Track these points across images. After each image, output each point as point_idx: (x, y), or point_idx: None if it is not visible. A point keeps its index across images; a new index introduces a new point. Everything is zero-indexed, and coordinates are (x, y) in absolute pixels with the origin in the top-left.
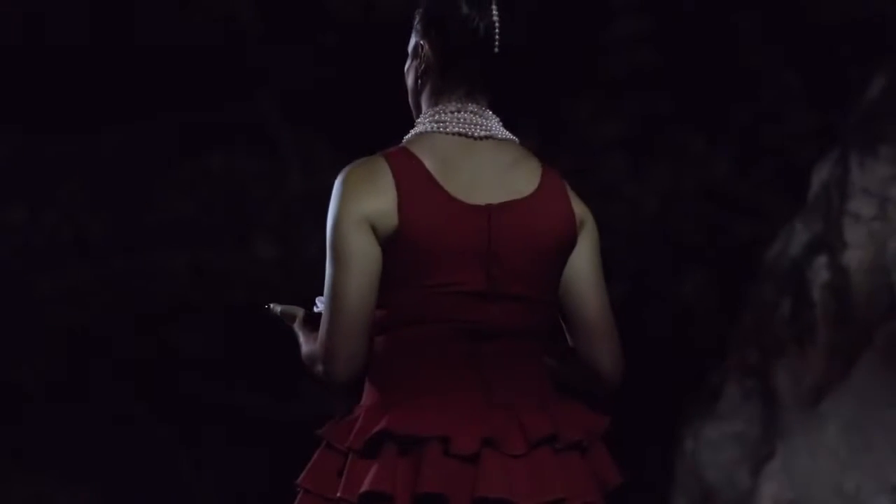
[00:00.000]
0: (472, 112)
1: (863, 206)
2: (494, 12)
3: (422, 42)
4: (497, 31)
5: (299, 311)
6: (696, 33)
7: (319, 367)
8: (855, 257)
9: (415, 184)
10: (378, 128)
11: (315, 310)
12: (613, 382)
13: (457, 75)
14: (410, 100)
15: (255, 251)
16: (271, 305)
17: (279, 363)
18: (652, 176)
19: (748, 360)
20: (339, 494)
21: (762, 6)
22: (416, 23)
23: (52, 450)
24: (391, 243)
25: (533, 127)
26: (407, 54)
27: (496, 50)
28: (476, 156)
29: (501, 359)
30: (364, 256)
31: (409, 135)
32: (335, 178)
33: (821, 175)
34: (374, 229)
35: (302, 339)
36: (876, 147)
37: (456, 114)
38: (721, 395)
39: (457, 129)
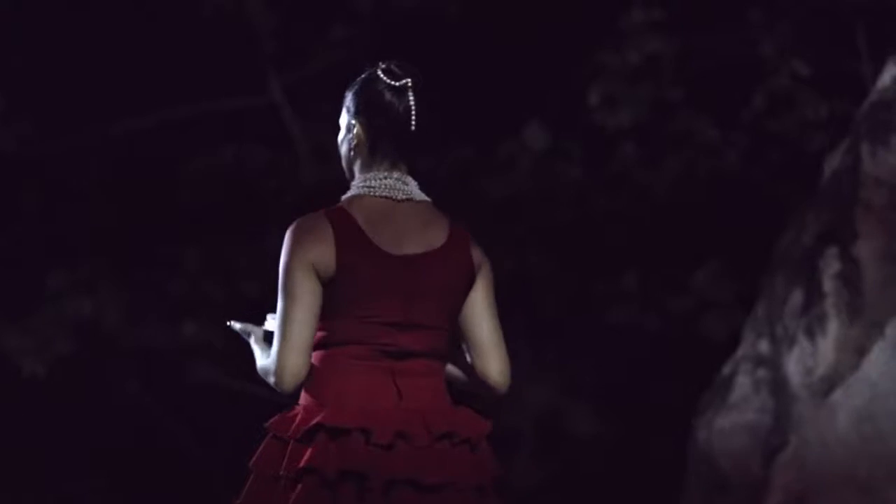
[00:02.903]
0: (395, 179)
1: (874, 195)
2: (410, 97)
3: (353, 122)
4: (413, 113)
5: (257, 330)
6: (707, 22)
7: (272, 379)
8: (866, 247)
9: (349, 237)
10: None
11: (267, 325)
12: (501, 389)
13: (382, 149)
14: (344, 165)
15: (268, 242)
16: (231, 322)
17: None
18: (663, 164)
19: (760, 351)
20: (282, 472)
21: None
22: (347, 103)
23: (66, 442)
24: (330, 283)
25: (545, 116)
26: (351, 106)
27: (413, 128)
28: (398, 215)
29: (411, 373)
30: (309, 293)
31: (346, 196)
32: None
33: (832, 164)
34: (316, 272)
35: (259, 353)
36: (888, 136)
37: (383, 180)
38: (733, 385)
39: (383, 193)
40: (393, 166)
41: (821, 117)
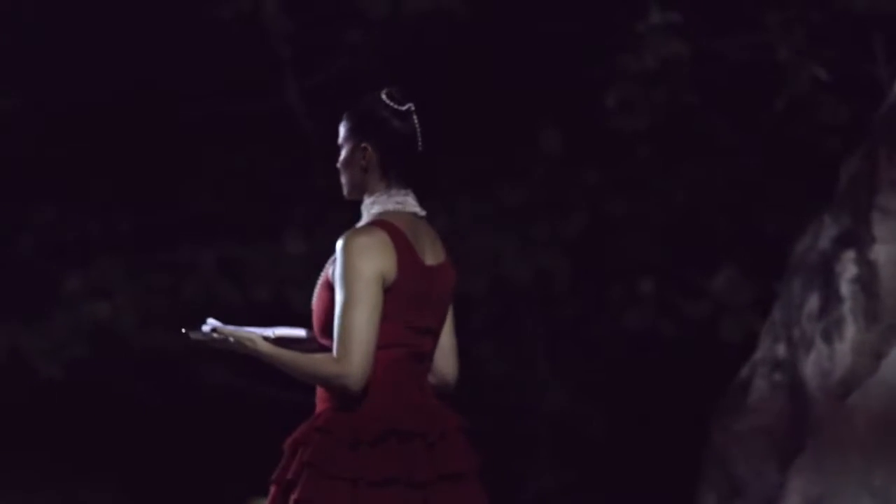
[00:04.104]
0: (411, 196)
1: (891, 200)
2: (415, 120)
3: (364, 145)
4: (419, 134)
5: (254, 336)
6: (724, 25)
7: (341, 382)
8: (883, 251)
9: (404, 250)
10: None
11: (205, 328)
12: (452, 387)
13: (395, 170)
14: (350, 183)
15: (284, 245)
16: (194, 332)
17: None
18: (680, 168)
19: (777, 354)
20: (356, 476)
21: None
22: (351, 126)
23: (80, 443)
24: (388, 291)
25: (561, 120)
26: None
27: (419, 148)
28: (422, 229)
29: (424, 373)
30: (378, 301)
31: (378, 210)
32: None
33: (849, 169)
34: (383, 281)
35: (290, 358)
36: None
37: (405, 197)
38: (750, 388)
39: (411, 209)
40: (406, 184)
41: (838, 121)
